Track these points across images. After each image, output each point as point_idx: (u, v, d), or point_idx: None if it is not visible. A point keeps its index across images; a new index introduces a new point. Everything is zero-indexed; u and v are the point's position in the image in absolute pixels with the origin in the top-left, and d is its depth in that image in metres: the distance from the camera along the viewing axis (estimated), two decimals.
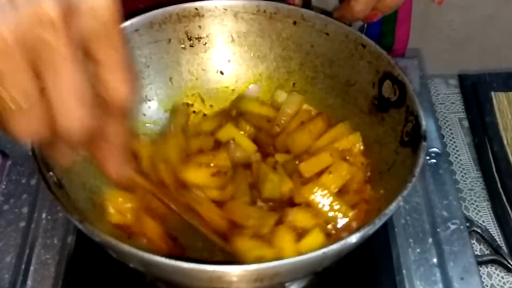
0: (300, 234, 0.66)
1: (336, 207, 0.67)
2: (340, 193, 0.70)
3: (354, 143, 0.73)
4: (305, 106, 0.78)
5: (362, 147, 0.73)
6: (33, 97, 0.42)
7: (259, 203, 0.68)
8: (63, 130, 0.44)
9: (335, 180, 0.70)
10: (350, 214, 0.67)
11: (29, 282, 0.70)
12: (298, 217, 0.66)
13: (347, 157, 0.72)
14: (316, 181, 0.69)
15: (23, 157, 0.81)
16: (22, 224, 0.75)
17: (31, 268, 0.71)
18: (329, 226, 0.67)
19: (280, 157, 0.73)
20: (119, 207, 0.67)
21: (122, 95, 0.46)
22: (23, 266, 0.71)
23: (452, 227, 0.75)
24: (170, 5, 0.76)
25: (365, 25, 0.98)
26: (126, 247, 0.54)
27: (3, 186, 0.78)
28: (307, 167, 0.71)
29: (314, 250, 0.54)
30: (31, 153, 0.61)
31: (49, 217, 0.75)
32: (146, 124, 0.78)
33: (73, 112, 0.43)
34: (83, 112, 0.44)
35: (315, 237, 0.65)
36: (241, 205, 0.68)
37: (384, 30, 0.99)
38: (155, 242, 0.67)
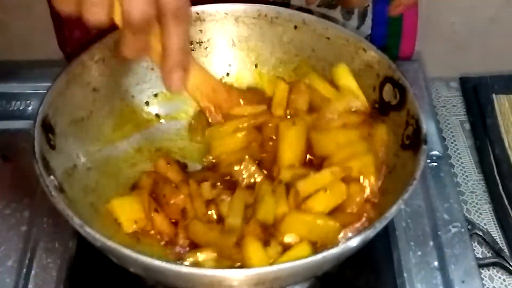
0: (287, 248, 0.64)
1: (327, 225, 0.65)
2: (336, 211, 0.67)
3: (366, 164, 0.68)
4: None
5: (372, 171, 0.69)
6: None
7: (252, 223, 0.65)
8: (126, 15, 0.54)
9: (328, 200, 0.67)
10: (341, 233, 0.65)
11: (30, 286, 0.70)
12: (290, 227, 0.65)
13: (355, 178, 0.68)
14: (308, 200, 0.66)
15: (24, 161, 0.81)
16: (24, 228, 0.75)
17: (33, 272, 0.71)
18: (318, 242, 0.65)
19: (286, 175, 0.69)
20: (130, 215, 0.66)
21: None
22: (24, 270, 0.71)
23: (453, 230, 0.75)
24: None
25: (369, 38, 0.97)
26: (127, 252, 0.54)
27: (5, 190, 0.78)
28: (304, 186, 0.67)
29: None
30: (33, 158, 0.61)
31: (50, 221, 0.75)
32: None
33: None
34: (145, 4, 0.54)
35: (302, 249, 0.63)
36: (200, 227, 0.67)
37: (389, 43, 0.99)
38: (167, 233, 0.67)
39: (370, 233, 0.57)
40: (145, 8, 0.54)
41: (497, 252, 0.77)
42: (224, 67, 0.81)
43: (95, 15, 0.54)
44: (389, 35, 0.98)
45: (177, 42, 0.59)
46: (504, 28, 1.42)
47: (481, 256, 0.78)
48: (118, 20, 0.56)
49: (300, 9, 0.82)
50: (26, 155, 0.80)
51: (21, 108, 0.87)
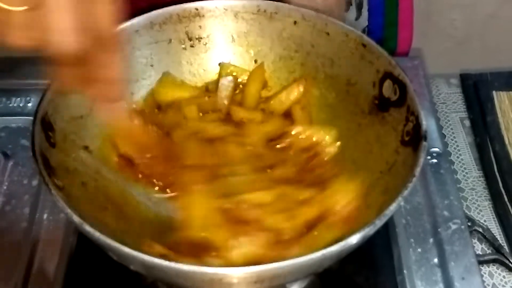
0: None
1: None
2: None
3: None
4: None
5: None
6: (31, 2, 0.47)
7: None
8: (53, 43, 0.48)
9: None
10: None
11: (30, 283, 0.70)
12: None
13: None
14: None
15: (24, 158, 0.81)
16: (24, 225, 0.75)
17: (33, 269, 0.71)
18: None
19: None
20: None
21: (108, 25, 0.51)
22: (24, 267, 0.71)
23: (453, 227, 0.75)
24: (170, 5, 0.76)
25: (366, 29, 0.97)
26: (126, 250, 0.54)
27: (5, 187, 0.79)
28: None
29: None
30: (32, 155, 0.61)
31: (50, 218, 0.75)
32: None
33: (64, 29, 0.48)
34: (73, 32, 0.48)
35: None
36: None
37: (387, 34, 0.99)
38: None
39: (370, 230, 0.56)
40: (79, 39, 0.49)
41: (497, 249, 0.77)
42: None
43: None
44: (386, 25, 0.98)
45: (113, 72, 0.56)
46: (504, 25, 1.41)
47: (480, 253, 0.78)
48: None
49: None
50: (26, 152, 0.81)
51: (21, 105, 0.87)
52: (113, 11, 0.51)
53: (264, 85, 0.80)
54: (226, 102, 0.77)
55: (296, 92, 0.77)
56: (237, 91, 0.79)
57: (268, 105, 0.78)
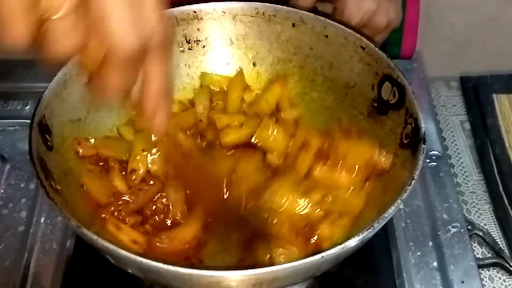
0: None
1: None
2: None
3: None
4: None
5: None
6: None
7: None
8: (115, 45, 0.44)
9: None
10: None
11: (27, 287, 0.70)
12: None
13: None
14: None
15: (22, 161, 0.81)
16: (21, 228, 0.75)
17: (30, 272, 0.71)
18: None
19: None
20: None
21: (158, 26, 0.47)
22: (21, 271, 0.71)
23: (453, 230, 0.75)
24: (168, 8, 0.76)
25: None
26: (123, 253, 0.54)
27: (2, 190, 0.78)
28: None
29: None
30: (29, 158, 0.60)
31: (48, 221, 0.75)
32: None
33: (122, 29, 0.44)
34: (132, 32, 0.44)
35: None
36: None
37: (390, 39, 0.98)
38: None
39: (368, 233, 0.56)
40: (136, 39, 0.45)
41: (497, 253, 0.77)
42: (222, 65, 0.80)
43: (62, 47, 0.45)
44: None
45: (161, 81, 0.51)
46: (504, 27, 1.41)
47: (481, 257, 0.78)
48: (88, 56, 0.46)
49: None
50: (24, 155, 0.81)
51: (18, 108, 0.87)
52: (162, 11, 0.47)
53: (245, 88, 0.80)
54: (203, 118, 0.76)
55: (277, 90, 0.78)
56: (219, 100, 0.79)
57: (253, 109, 0.78)
